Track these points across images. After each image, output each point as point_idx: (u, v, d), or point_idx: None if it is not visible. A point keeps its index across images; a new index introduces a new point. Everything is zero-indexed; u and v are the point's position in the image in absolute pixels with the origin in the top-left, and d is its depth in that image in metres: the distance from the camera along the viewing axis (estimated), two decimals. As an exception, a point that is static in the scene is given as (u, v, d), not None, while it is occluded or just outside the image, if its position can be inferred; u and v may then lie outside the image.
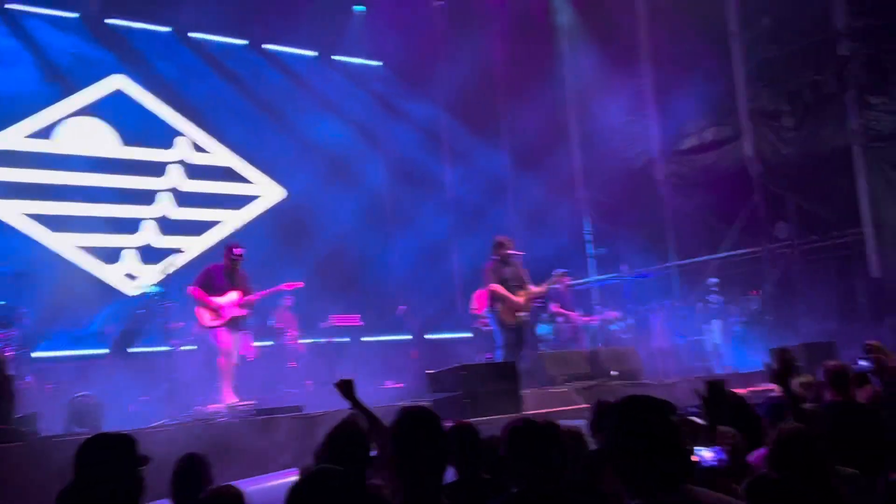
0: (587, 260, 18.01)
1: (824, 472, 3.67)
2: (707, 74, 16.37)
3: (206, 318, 10.20)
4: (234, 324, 10.21)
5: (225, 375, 10.15)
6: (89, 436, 3.59)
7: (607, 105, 17.33)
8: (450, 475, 4.29)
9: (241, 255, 10.33)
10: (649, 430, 2.82)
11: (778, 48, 15.62)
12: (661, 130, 17.28)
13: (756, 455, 4.39)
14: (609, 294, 17.80)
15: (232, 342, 10.15)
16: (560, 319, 14.23)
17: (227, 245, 10.61)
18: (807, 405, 5.60)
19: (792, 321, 14.72)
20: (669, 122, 17.16)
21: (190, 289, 10.33)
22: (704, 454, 3.65)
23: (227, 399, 9.95)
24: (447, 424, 4.21)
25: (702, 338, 15.24)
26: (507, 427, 3.72)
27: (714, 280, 15.46)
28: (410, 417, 3.33)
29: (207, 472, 4.98)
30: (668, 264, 17.19)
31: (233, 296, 10.18)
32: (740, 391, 8.99)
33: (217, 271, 10.37)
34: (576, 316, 14.55)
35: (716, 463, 3.67)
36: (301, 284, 11.03)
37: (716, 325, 15.21)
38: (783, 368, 5.05)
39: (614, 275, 17.27)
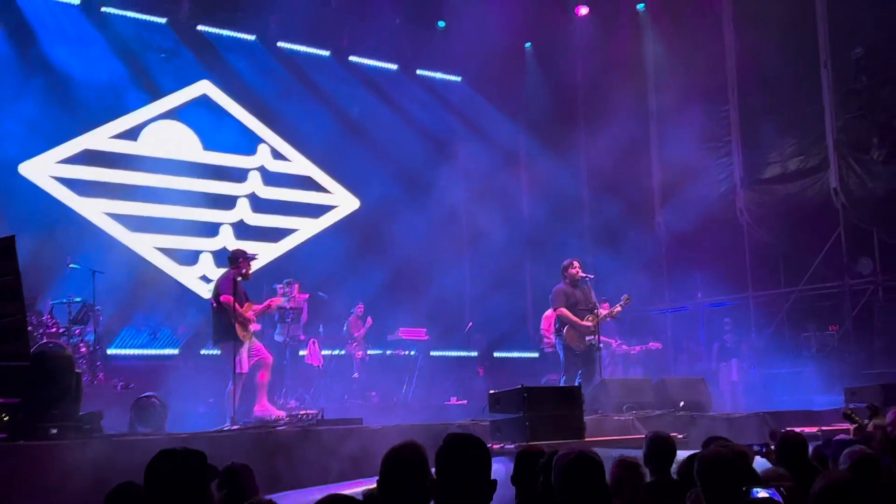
0: (662, 285, 17.67)
1: None
2: (794, 103, 16.03)
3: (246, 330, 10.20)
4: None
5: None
6: (153, 437, 3.58)
7: (690, 129, 16.99)
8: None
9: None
10: None
11: (868, 79, 15.17)
12: (744, 157, 16.89)
13: None
14: (681, 321, 17.52)
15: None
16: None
17: (240, 253, 10.28)
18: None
19: (869, 359, 14.27)
20: (753, 150, 16.79)
21: (227, 298, 9.85)
22: (761, 494, 3.64)
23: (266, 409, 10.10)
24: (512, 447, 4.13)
25: (717, 377, 15.27)
26: (559, 457, 3.69)
27: (727, 319, 15.84)
28: (456, 443, 3.28)
29: (249, 483, 4.97)
30: (744, 294, 16.79)
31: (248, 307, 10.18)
32: (810, 429, 8.73)
33: (234, 280, 9.86)
34: (615, 344, 14.28)
35: None
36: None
37: (731, 365, 15.40)
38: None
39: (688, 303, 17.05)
